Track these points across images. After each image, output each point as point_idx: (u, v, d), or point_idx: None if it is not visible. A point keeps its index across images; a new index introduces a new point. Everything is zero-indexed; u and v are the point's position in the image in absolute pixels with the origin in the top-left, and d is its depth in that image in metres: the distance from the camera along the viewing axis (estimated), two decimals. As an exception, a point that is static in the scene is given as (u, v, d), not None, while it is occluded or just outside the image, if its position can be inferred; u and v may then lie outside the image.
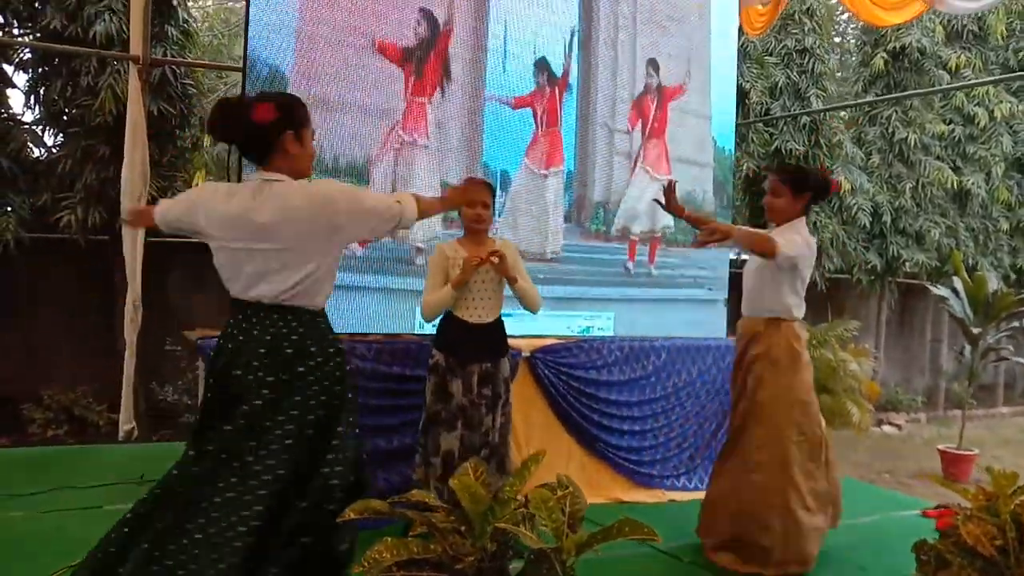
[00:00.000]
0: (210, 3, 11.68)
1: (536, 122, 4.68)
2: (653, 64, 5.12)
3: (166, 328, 6.38)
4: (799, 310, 3.47)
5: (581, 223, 4.85)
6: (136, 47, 5.01)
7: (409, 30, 4.26)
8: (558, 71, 4.76)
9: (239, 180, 3.91)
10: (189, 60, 6.32)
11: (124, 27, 5.58)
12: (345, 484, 2.18)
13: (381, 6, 4.18)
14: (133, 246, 4.91)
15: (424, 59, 4.30)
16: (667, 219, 5.04)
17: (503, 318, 3.56)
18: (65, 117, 5.95)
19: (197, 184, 6.14)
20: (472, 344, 3.43)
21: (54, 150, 6.13)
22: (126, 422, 5.04)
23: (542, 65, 4.71)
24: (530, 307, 3.51)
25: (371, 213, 2.37)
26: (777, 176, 3.41)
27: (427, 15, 4.31)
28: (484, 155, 4.50)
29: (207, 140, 6.59)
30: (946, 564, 2.51)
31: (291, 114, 2.30)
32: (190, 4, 6.78)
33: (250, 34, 3.89)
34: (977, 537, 2.40)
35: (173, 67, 5.97)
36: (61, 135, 6.06)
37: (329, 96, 4.03)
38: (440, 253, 3.47)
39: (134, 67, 4.98)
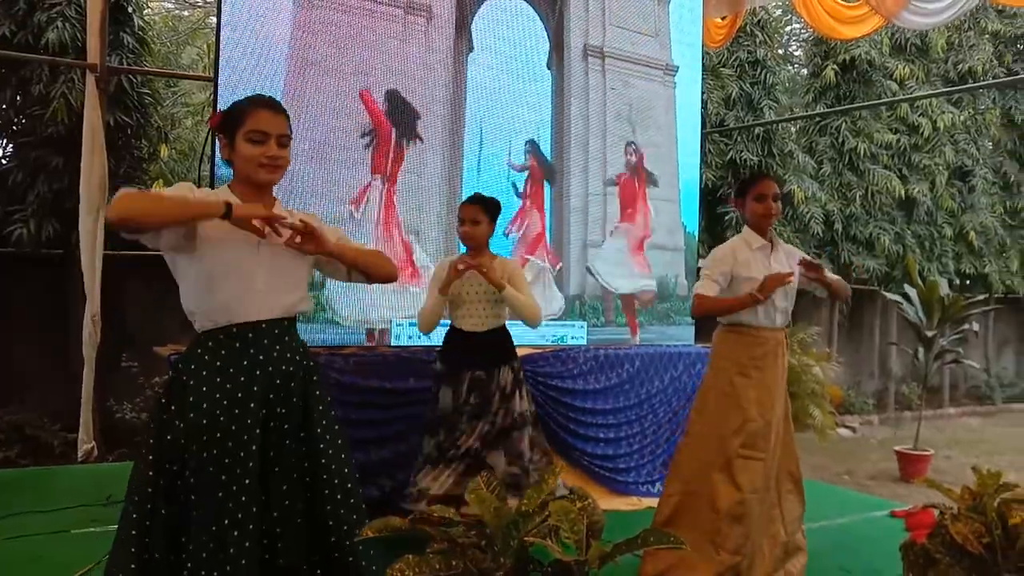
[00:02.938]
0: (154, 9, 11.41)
1: (522, 196, 4.79)
2: (632, 144, 5.25)
3: (121, 344, 6.19)
4: None
5: (559, 317, 4.92)
6: (93, 55, 4.89)
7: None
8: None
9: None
10: (149, 68, 6.18)
11: (78, 34, 5.42)
12: None
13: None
14: (92, 260, 4.76)
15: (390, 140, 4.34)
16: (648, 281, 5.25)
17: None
18: (15, 127, 5.75)
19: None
20: (465, 352, 3.46)
21: (3, 161, 5.91)
22: (85, 442, 4.88)
23: (533, 146, 4.85)
24: (526, 319, 3.46)
25: None
26: (775, 182, 3.42)
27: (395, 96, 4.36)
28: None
29: (164, 150, 6.44)
30: (934, 563, 2.56)
31: (223, 121, 2.19)
32: (144, 12, 6.61)
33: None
34: (965, 536, 2.45)
35: (129, 76, 5.81)
36: (11, 145, 5.85)
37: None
38: (441, 267, 3.52)
39: (91, 76, 4.85)
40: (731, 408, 3.24)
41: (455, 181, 4.49)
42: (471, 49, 4.63)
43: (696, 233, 5.64)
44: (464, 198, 4.46)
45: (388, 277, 2.42)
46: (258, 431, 2.05)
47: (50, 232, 5.48)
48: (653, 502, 4.59)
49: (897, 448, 6.76)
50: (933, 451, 6.77)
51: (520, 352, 4.39)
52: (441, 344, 3.57)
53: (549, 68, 4.96)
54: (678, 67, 5.48)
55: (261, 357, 2.07)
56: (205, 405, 2.01)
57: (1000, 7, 9.85)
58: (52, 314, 6.02)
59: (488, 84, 4.68)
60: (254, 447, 2.02)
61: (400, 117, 4.34)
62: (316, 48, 4.07)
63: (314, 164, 4.02)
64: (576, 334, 4.86)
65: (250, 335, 2.08)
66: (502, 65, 4.74)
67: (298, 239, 2.10)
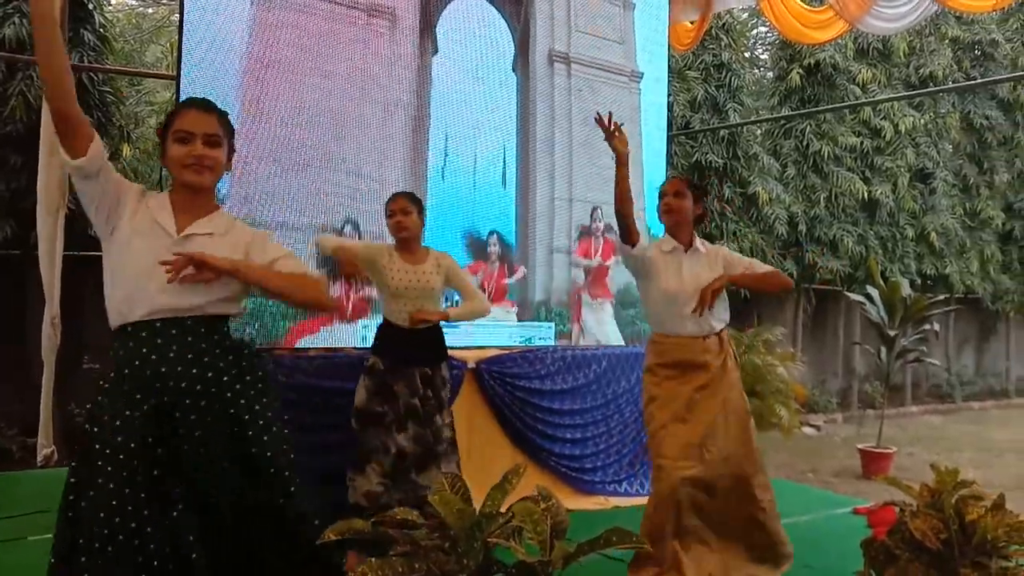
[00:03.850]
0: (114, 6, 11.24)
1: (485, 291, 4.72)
2: (598, 209, 5.21)
3: (81, 347, 6.07)
4: None
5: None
6: (52, 52, 4.79)
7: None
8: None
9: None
10: (110, 66, 6.07)
11: (36, 31, 5.31)
12: None
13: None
14: (51, 261, 4.66)
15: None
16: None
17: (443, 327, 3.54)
18: (-30, 125, 5.61)
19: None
20: (409, 349, 3.41)
21: (-41, 160, 5.77)
22: (45, 446, 4.77)
23: (496, 237, 4.81)
24: (476, 318, 3.62)
25: None
26: (684, 181, 3.51)
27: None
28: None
29: (126, 149, 6.33)
30: (894, 559, 2.60)
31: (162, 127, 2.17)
32: (106, 9, 6.50)
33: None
34: (924, 532, 2.49)
35: (91, 73, 5.71)
36: (-33, 144, 5.70)
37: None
38: (379, 248, 3.47)
39: (50, 73, 4.75)
40: (646, 414, 3.34)
41: (420, 187, 4.45)
42: (435, 52, 4.60)
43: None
44: (430, 204, 4.42)
45: (313, 304, 2.26)
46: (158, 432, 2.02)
47: (7, 232, 5.37)
48: (620, 501, 4.65)
49: (860, 446, 6.86)
50: (896, 448, 6.87)
51: (487, 353, 4.43)
52: (376, 340, 3.48)
53: (515, 72, 4.95)
54: (643, 73, 5.50)
55: (153, 357, 1.99)
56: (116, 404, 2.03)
57: (959, 14, 10.04)
58: (10, 316, 5.89)
59: (453, 87, 4.65)
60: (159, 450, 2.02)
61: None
62: (277, 49, 4.02)
63: (270, 164, 3.94)
64: (544, 335, 4.86)
65: (143, 334, 2.01)
66: (467, 68, 4.71)
67: (191, 271, 1.95)
